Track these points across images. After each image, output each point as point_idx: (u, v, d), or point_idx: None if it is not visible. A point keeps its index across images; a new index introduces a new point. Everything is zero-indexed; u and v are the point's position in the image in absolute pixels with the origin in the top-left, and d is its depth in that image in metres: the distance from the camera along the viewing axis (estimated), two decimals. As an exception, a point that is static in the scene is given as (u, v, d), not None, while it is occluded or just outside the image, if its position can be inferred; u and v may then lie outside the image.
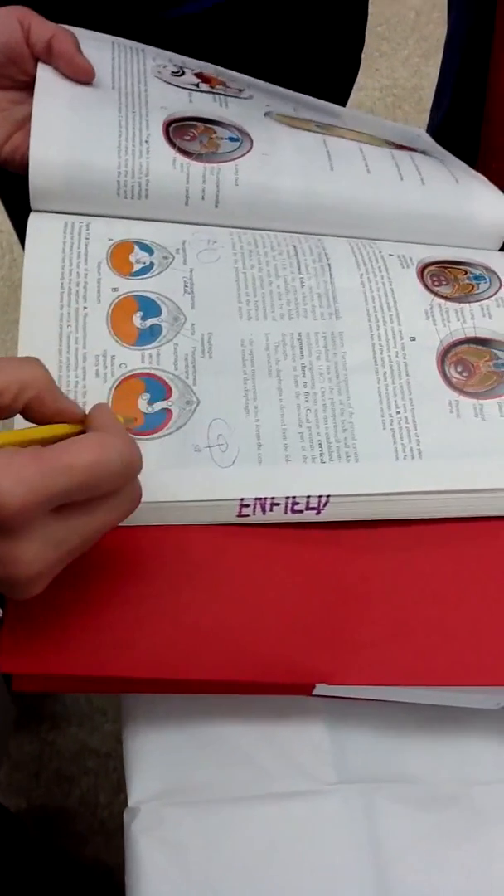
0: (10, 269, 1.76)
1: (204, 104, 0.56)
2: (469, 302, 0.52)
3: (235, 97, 0.59)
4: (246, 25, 0.69)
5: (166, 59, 0.60)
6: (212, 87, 0.59)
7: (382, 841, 0.44)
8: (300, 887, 0.43)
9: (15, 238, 1.76)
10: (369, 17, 0.80)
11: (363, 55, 0.83)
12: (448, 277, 0.53)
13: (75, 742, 1.28)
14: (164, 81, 0.57)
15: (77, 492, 0.35)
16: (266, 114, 0.58)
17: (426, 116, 1.09)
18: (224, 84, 0.60)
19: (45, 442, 0.36)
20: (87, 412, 0.40)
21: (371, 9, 0.80)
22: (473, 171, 0.60)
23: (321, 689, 0.44)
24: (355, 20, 0.79)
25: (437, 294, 0.52)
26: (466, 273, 0.54)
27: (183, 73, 0.59)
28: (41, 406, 0.38)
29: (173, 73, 0.58)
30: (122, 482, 0.37)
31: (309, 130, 0.58)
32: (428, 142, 0.67)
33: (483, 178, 0.60)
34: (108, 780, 1.24)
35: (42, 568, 0.35)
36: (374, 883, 0.43)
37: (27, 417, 0.38)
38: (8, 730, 1.02)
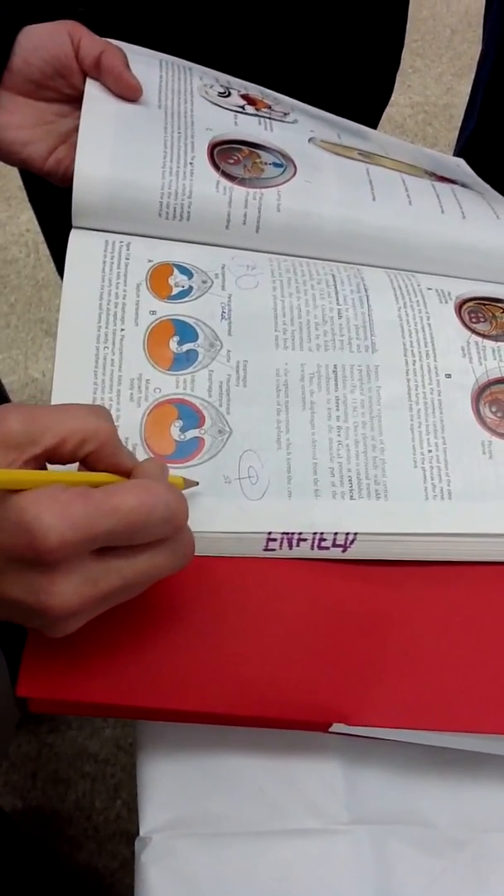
0: (34, 269, 1.76)
1: (249, 127, 0.56)
2: None
3: (280, 121, 0.58)
4: (283, 41, 0.69)
5: (213, 79, 0.59)
6: (257, 109, 0.58)
7: (391, 884, 0.44)
8: None
9: (40, 238, 1.77)
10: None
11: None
12: (486, 314, 0.53)
13: (74, 745, 1.27)
14: (210, 102, 0.57)
15: (121, 534, 0.34)
16: (310, 139, 0.58)
17: (455, 135, 1.09)
18: (269, 107, 0.59)
19: (95, 486, 0.36)
20: (118, 429, 0.40)
21: (406, 24, 0.79)
22: None
23: (338, 727, 0.43)
24: (393, 38, 0.79)
25: (474, 331, 0.52)
26: None
27: (229, 94, 0.58)
28: (99, 459, 0.37)
29: (220, 94, 0.58)
30: (167, 530, 0.36)
31: (352, 158, 0.58)
32: (468, 172, 0.67)
33: None
34: (105, 786, 1.24)
35: (78, 605, 0.34)
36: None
37: (84, 465, 0.38)
38: (11, 732, 1.02)
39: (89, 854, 1.19)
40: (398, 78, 0.83)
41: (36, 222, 0.95)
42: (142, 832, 0.44)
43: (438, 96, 2.17)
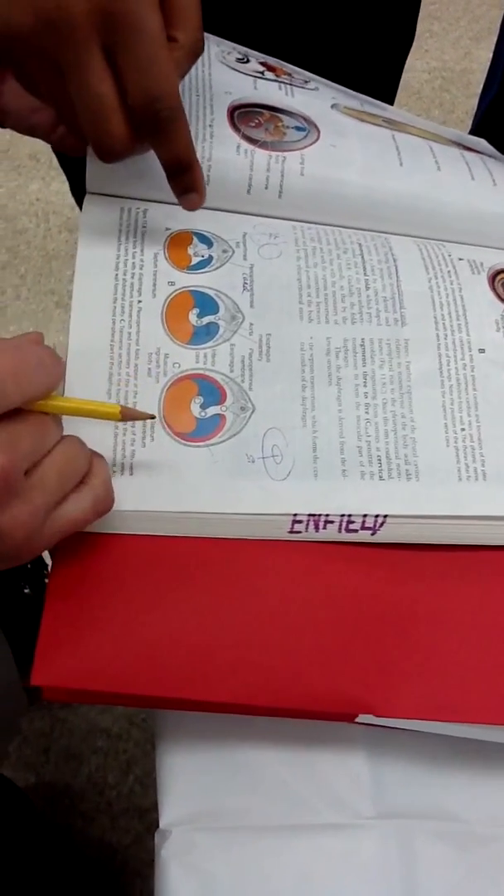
0: (45, 239, 1.73)
1: (270, 92, 0.53)
2: None
3: (301, 87, 0.56)
4: (294, 14, 0.66)
5: (230, 47, 0.57)
6: (277, 76, 0.56)
7: (418, 880, 0.42)
8: None
9: (51, 208, 1.73)
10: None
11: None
12: None
13: (86, 721, 1.27)
14: (230, 67, 0.54)
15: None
16: (333, 106, 0.55)
17: (474, 102, 1.06)
18: (289, 75, 0.57)
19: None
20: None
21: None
22: None
23: (364, 718, 0.41)
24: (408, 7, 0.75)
25: None
26: None
27: (248, 61, 0.56)
28: None
29: (238, 60, 0.55)
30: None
31: (377, 125, 0.55)
32: (492, 150, 0.64)
33: None
34: (118, 761, 1.24)
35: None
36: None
37: None
38: (19, 714, 1.01)
39: (102, 829, 1.19)
40: (415, 42, 0.79)
41: (45, 192, 0.92)
42: (162, 824, 0.43)
43: (456, 61, 2.12)
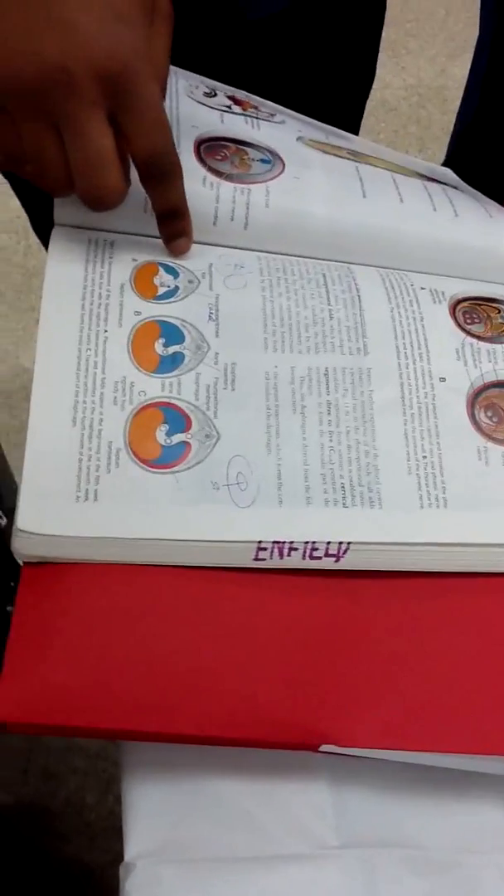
0: (25, 256, 1.74)
1: (236, 125, 0.54)
2: (502, 342, 0.50)
3: (267, 121, 0.57)
4: (256, 41, 0.67)
5: (198, 81, 0.58)
6: (244, 109, 0.56)
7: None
8: None
9: (29, 223, 1.73)
10: (398, 13, 0.77)
11: (390, 52, 0.80)
12: (481, 315, 0.51)
13: (64, 740, 1.26)
14: (197, 101, 0.55)
15: None
16: (298, 138, 0.56)
17: (450, 118, 1.07)
18: (256, 108, 0.58)
19: None
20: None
21: (400, 4, 0.77)
22: None
23: (327, 748, 0.42)
24: (371, 26, 0.76)
25: (469, 333, 0.50)
26: (500, 311, 0.52)
27: (215, 95, 0.56)
28: None
29: (206, 94, 0.56)
30: None
31: (341, 157, 0.56)
32: (457, 180, 0.65)
33: None
34: (97, 780, 1.23)
35: None
36: None
37: None
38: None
39: (79, 849, 1.18)
40: (392, 59, 0.80)
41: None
42: (127, 857, 0.43)
43: (432, 78, 2.13)
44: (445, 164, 0.66)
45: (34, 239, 1.72)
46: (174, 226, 0.49)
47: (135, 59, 0.41)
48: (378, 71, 0.81)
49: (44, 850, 1.17)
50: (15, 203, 0.92)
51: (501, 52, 0.91)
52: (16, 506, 0.42)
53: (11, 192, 0.92)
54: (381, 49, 0.80)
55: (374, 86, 0.83)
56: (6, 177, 0.85)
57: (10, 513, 0.47)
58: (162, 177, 0.46)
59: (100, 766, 1.24)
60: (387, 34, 0.79)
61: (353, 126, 0.80)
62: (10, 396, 1.58)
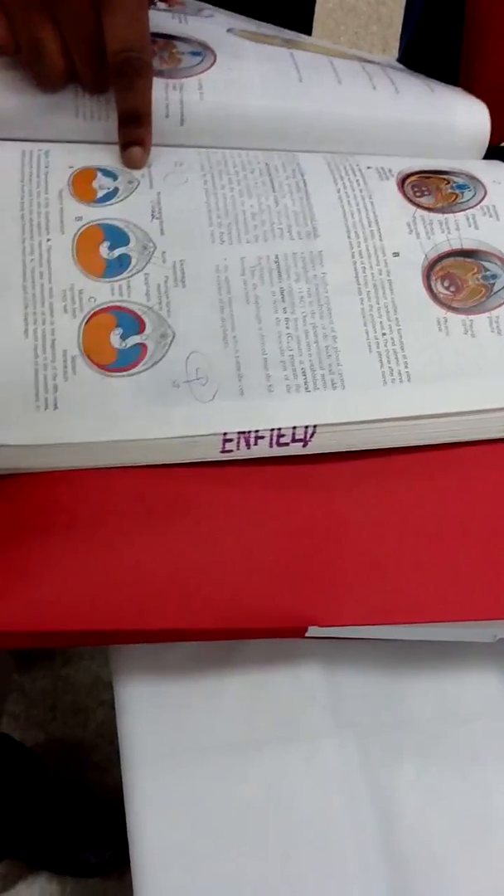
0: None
1: (162, 21, 0.53)
2: (453, 212, 0.50)
3: (195, 15, 0.55)
4: None
5: None
6: (170, 5, 0.55)
7: (380, 784, 0.43)
8: (299, 835, 0.42)
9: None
10: None
11: None
12: (430, 187, 0.51)
13: (88, 675, 1.28)
14: None
15: None
16: (228, 30, 0.55)
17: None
18: (182, 4, 0.56)
19: None
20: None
21: None
22: (449, 85, 0.57)
23: (314, 631, 0.42)
24: None
25: (419, 205, 0.50)
26: (449, 182, 0.51)
27: None
28: None
29: None
30: None
31: (273, 45, 0.55)
32: (399, 66, 0.63)
33: (460, 89, 0.56)
34: (125, 711, 1.25)
35: None
36: (375, 830, 0.42)
37: None
38: (4, 680, 1.02)
39: (116, 777, 1.21)
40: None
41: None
42: (123, 757, 0.44)
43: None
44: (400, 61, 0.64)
45: None
46: (133, 132, 0.48)
47: None
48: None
49: (85, 782, 1.20)
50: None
51: None
52: None
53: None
54: None
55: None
56: None
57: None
58: (132, 75, 0.46)
59: (126, 697, 1.26)
60: None
61: (304, 28, 0.78)
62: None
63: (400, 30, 1.89)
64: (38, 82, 0.47)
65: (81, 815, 1.15)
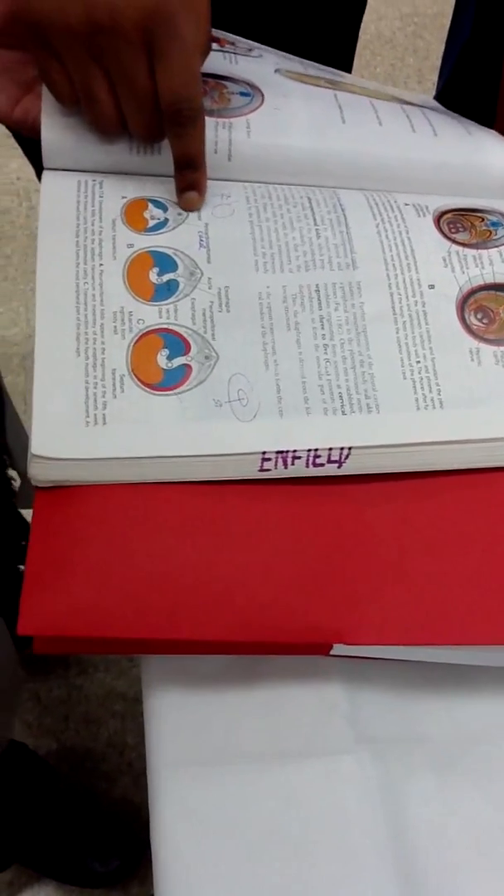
0: (28, 218, 1.75)
1: (214, 61, 0.55)
2: (487, 248, 0.52)
3: (245, 55, 0.58)
4: None
5: None
6: (221, 46, 0.58)
7: (397, 802, 0.45)
8: (316, 847, 0.43)
9: (32, 186, 1.74)
10: None
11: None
12: (465, 224, 0.53)
13: (102, 686, 1.30)
14: None
15: None
16: (276, 70, 0.57)
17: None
18: (233, 44, 0.59)
19: None
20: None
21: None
22: (485, 128, 0.59)
23: (339, 649, 0.44)
24: None
25: (454, 241, 0.52)
26: (483, 220, 0.53)
27: None
28: None
29: None
30: None
31: (319, 86, 0.57)
32: (436, 104, 0.66)
33: (495, 132, 0.59)
34: (136, 723, 1.27)
35: None
36: (391, 843, 0.43)
37: None
38: (17, 688, 1.03)
39: (124, 788, 1.22)
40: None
41: (26, 170, 0.93)
42: (150, 765, 0.45)
43: (428, 5, 2.10)
44: (437, 98, 0.66)
45: (36, 200, 1.72)
46: (189, 177, 0.50)
47: (179, 6, 0.43)
48: (370, 2, 0.81)
49: (92, 791, 1.21)
50: (15, 165, 0.92)
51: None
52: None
53: (9, 154, 0.92)
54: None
55: (368, 18, 0.83)
56: (10, 131, 0.86)
57: (25, 475, 0.48)
58: (183, 123, 0.48)
59: (138, 709, 1.26)
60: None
61: (345, 63, 0.80)
62: (25, 358, 1.60)
63: (436, 62, 1.92)
64: (95, 129, 0.50)
65: (90, 824, 1.16)
